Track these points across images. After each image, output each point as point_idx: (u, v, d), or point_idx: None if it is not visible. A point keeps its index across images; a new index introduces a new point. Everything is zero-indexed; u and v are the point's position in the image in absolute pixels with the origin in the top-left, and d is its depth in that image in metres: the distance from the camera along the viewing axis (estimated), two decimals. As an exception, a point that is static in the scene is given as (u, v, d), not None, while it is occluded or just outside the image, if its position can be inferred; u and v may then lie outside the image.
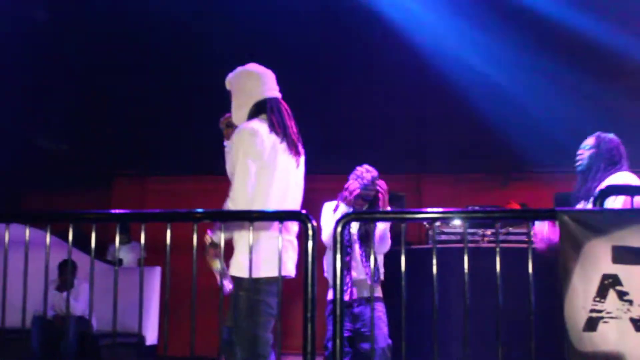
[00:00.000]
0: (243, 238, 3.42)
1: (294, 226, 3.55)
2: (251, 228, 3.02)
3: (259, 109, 3.65)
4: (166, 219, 3.13)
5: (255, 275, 3.26)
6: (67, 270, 7.12)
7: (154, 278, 7.56)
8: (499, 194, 9.29)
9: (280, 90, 3.83)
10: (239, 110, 3.71)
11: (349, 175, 5.13)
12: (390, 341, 4.93)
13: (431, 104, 8.29)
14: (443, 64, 7.56)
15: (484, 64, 7.62)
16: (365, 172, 5.05)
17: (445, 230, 6.64)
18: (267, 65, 3.90)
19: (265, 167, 3.50)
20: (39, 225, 3.36)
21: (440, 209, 2.85)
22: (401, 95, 8.27)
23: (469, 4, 6.86)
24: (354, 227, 5.05)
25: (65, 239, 3.29)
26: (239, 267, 3.47)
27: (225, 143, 3.78)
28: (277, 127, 3.59)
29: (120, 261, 9.11)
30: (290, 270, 3.57)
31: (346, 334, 4.91)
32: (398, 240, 3.13)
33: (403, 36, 7.26)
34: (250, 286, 3.27)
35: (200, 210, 3.41)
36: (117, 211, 3.17)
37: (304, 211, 2.97)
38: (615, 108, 7.94)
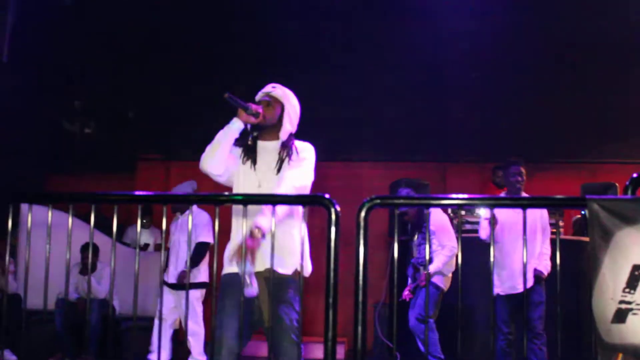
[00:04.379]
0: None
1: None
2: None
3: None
4: (188, 201, 3.10)
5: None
6: (87, 253, 7.15)
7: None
8: (527, 185, 9.18)
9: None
10: (287, 124, 3.76)
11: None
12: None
13: (454, 93, 8.23)
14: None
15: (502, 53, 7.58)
16: None
17: (470, 219, 6.56)
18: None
19: None
20: (61, 207, 3.35)
21: (466, 195, 2.78)
22: (424, 84, 8.20)
23: None
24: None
25: (88, 221, 3.28)
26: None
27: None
28: None
29: (147, 246, 9.16)
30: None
31: None
32: (419, 229, 3.07)
33: (429, 24, 7.20)
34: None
35: (225, 193, 3.39)
36: (140, 193, 3.15)
37: (327, 195, 2.93)
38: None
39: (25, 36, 7.49)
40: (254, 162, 3.69)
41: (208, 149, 3.70)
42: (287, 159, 3.64)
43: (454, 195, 2.76)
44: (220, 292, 3.53)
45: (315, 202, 2.98)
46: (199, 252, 6.75)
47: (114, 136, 9.78)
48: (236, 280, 3.32)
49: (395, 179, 7.84)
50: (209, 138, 3.83)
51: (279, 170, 3.62)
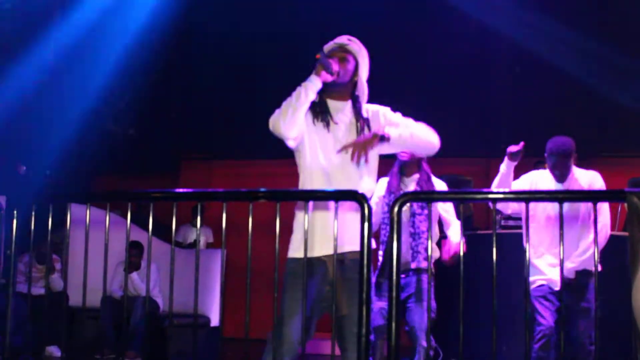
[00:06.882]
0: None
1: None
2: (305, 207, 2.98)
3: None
4: (223, 198, 3.11)
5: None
6: (134, 251, 7.26)
7: (218, 260, 7.61)
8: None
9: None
10: (361, 84, 3.52)
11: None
12: (433, 315, 4.87)
13: (498, 86, 8.14)
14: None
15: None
16: None
17: (513, 215, 6.44)
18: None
19: None
20: (104, 206, 3.40)
21: (502, 190, 2.74)
22: (468, 77, 8.13)
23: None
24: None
25: (136, 221, 3.34)
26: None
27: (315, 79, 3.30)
28: None
29: (195, 243, 9.30)
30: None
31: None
32: (466, 226, 3.04)
33: (472, 19, 7.15)
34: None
35: (261, 189, 3.35)
36: (175, 190, 3.18)
37: (360, 191, 2.92)
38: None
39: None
40: (328, 123, 3.40)
41: (283, 108, 3.30)
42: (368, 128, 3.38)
43: (488, 190, 2.72)
44: (285, 280, 3.28)
45: (349, 198, 2.97)
46: None
47: (158, 137, 9.92)
48: (301, 268, 3.06)
49: (437, 176, 7.77)
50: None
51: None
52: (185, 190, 3.21)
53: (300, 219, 3.30)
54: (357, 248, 3.08)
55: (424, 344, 4.75)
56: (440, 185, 5.14)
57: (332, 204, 3.12)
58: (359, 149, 3.21)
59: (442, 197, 3.32)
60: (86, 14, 7.77)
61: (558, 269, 4.44)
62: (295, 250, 3.29)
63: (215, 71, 8.41)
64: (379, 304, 4.86)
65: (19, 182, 6.98)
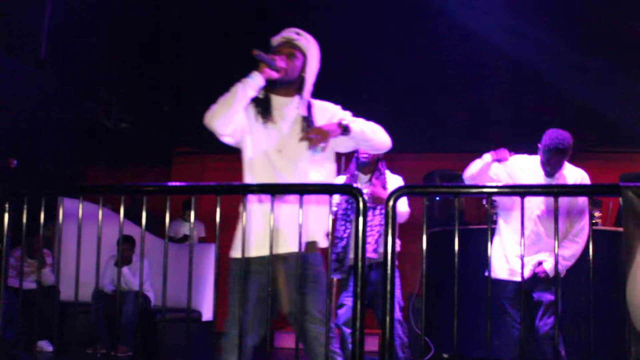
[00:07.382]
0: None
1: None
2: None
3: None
4: (216, 191, 3.09)
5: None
6: (126, 245, 7.24)
7: (211, 254, 7.60)
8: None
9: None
10: (309, 81, 3.37)
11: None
12: (402, 303, 5.07)
13: (489, 82, 8.16)
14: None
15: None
16: None
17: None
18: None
19: None
20: (95, 200, 3.37)
21: (496, 184, 2.73)
22: (459, 73, 8.14)
23: None
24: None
25: (127, 215, 3.31)
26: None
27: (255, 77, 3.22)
28: None
29: (186, 237, 9.27)
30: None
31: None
32: (454, 219, 3.01)
33: (467, 21, 7.18)
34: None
35: (253, 184, 3.33)
36: (169, 184, 3.16)
37: (355, 185, 2.91)
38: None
39: (62, 33, 7.60)
40: (272, 121, 3.31)
41: (219, 104, 3.24)
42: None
43: (482, 184, 2.71)
44: (230, 282, 3.20)
45: (344, 192, 2.96)
46: None
47: (149, 131, 9.87)
48: (248, 268, 3.03)
49: (429, 171, 7.78)
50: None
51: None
52: (178, 183, 3.19)
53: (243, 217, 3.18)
54: (295, 248, 3.05)
55: (400, 332, 4.90)
56: (395, 180, 5.25)
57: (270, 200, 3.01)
58: (321, 134, 3.16)
59: (437, 190, 3.32)
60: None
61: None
62: (237, 250, 3.13)
63: (208, 62, 8.38)
64: (349, 300, 4.90)
65: (10, 176, 6.94)
